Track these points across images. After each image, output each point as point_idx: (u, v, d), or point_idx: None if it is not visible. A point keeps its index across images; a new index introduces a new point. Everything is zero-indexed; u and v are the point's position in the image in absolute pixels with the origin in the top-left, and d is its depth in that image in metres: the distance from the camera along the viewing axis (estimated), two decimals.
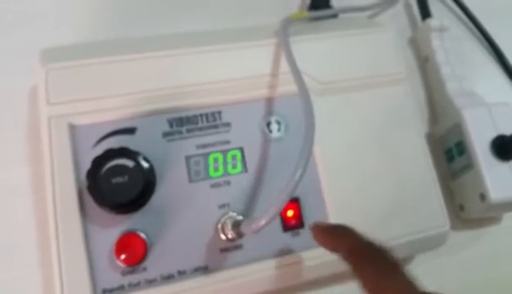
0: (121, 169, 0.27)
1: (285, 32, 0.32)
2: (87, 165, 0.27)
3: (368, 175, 0.32)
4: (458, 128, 0.36)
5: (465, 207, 0.36)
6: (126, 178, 0.27)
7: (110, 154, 0.27)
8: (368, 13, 0.41)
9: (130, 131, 0.29)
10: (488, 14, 0.44)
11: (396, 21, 0.43)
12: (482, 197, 0.34)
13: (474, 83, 0.40)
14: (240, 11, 0.40)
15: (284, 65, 0.31)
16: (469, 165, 0.35)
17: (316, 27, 0.36)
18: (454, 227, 0.36)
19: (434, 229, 0.32)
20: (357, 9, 0.39)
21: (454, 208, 0.37)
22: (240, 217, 0.29)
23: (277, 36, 0.33)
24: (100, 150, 0.28)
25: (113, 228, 0.28)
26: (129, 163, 0.27)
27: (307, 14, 0.36)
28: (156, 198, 0.29)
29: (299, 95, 0.29)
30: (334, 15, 0.38)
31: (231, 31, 0.35)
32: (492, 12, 0.44)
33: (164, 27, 0.37)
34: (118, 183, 0.27)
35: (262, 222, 0.24)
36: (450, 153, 0.37)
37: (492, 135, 0.35)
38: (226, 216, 0.29)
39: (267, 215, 0.24)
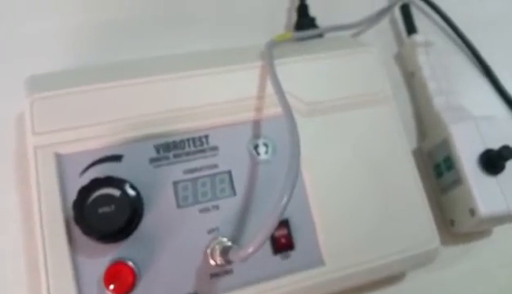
0: (107, 198, 0.27)
1: (269, 54, 0.32)
2: (74, 194, 0.27)
3: (356, 194, 0.32)
4: (446, 143, 0.36)
5: (456, 222, 0.36)
6: (112, 207, 0.27)
7: (96, 184, 0.27)
8: (353, 31, 0.41)
9: (116, 158, 0.29)
10: (474, 27, 0.44)
11: (382, 37, 0.43)
12: (472, 212, 0.34)
13: (461, 97, 0.40)
14: (227, 31, 0.40)
15: (270, 87, 0.32)
16: (458, 180, 0.35)
17: (300, 48, 0.36)
18: (445, 242, 0.36)
19: (424, 246, 0.32)
20: (342, 27, 0.39)
21: (445, 223, 0.37)
22: (229, 243, 0.28)
23: (262, 58, 0.33)
24: (87, 179, 0.28)
25: (101, 257, 0.28)
26: (115, 192, 0.27)
27: (291, 35, 0.36)
28: (144, 225, 0.29)
29: (284, 117, 0.29)
30: (320, 35, 0.39)
31: (216, 53, 0.35)
32: (478, 26, 0.44)
33: (151, 49, 0.37)
34: (104, 213, 0.27)
35: (250, 250, 0.24)
36: (439, 168, 0.38)
37: (480, 149, 0.35)
38: (215, 242, 0.29)
39: (254, 242, 0.24)
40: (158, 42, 0.38)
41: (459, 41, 0.44)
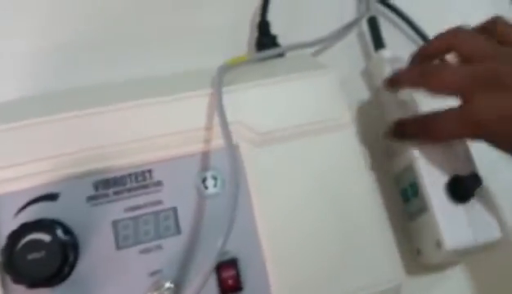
0: (37, 244, 0.25)
1: (218, 81, 0.30)
2: None
3: (314, 228, 0.30)
4: (411, 168, 0.34)
5: (422, 252, 0.34)
6: (43, 253, 0.25)
7: (26, 229, 0.25)
8: (317, 48, 0.39)
9: (52, 197, 0.28)
10: None
11: (349, 52, 0.41)
12: (438, 244, 0.32)
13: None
14: (185, 50, 0.39)
15: (217, 118, 0.30)
16: (424, 208, 0.33)
17: (257, 70, 0.34)
18: (411, 272, 0.35)
19: (387, 283, 0.30)
20: (305, 45, 0.37)
21: (412, 251, 0.36)
22: (168, 292, 0.27)
23: (212, 85, 0.31)
24: (21, 220, 0.26)
25: None
26: (45, 238, 0.25)
27: (246, 57, 0.34)
28: (80, 268, 0.27)
29: (227, 152, 0.27)
30: (281, 54, 0.37)
31: (163, 80, 0.33)
32: None
33: (103, 73, 0.36)
34: (34, 259, 0.25)
35: None
36: (405, 193, 0.36)
37: (447, 175, 0.33)
38: (154, 286, 0.27)
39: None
40: (112, 65, 0.37)
41: None
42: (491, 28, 0.32)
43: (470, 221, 0.32)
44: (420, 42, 0.42)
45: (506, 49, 0.31)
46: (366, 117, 0.39)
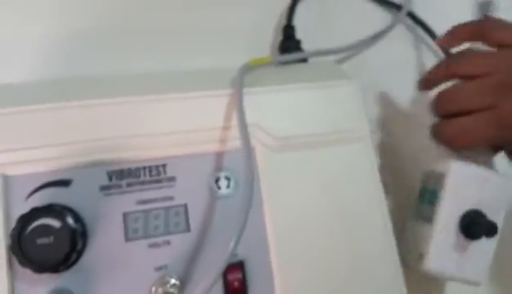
0: (46, 229, 0.25)
1: (239, 82, 0.30)
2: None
3: (322, 237, 0.30)
4: (441, 178, 0.33)
5: (406, 257, 0.34)
6: (51, 239, 0.25)
7: (36, 213, 0.25)
8: (343, 55, 0.39)
9: (65, 183, 0.28)
10: None
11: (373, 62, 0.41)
12: (421, 257, 0.32)
13: None
14: (208, 48, 0.38)
15: (235, 118, 0.30)
16: (430, 219, 0.33)
17: (279, 74, 0.34)
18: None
19: None
20: (329, 52, 0.37)
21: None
22: (172, 290, 0.27)
23: (233, 85, 0.31)
24: (33, 203, 0.26)
25: (41, 287, 0.26)
26: (55, 223, 0.25)
27: (270, 59, 0.34)
28: (88, 256, 0.27)
29: (244, 154, 0.27)
30: (304, 59, 0.36)
31: (184, 77, 0.33)
32: None
33: (122, 64, 0.36)
34: (43, 244, 0.25)
35: None
36: (423, 193, 0.35)
37: (469, 205, 0.32)
38: (160, 281, 0.27)
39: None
40: (133, 57, 0.37)
41: None
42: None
43: (461, 256, 0.32)
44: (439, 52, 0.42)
45: None
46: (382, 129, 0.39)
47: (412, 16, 0.43)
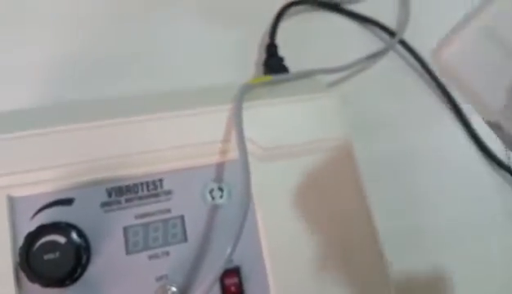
0: (52, 245, 0.27)
1: (240, 97, 0.32)
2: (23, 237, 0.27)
3: (313, 243, 0.32)
4: None
5: None
6: (57, 254, 0.27)
7: (42, 230, 0.27)
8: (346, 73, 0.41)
9: (67, 202, 0.29)
10: None
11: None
12: None
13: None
14: (198, 69, 0.41)
15: (227, 132, 0.32)
16: None
17: (263, 91, 0.36)
18: None
19: None
20: (328, 71, 0.39)
21: None
22: None
23: (227, 101, 0.33)
24: (37, 222, 0.28)
25: None
26: (61, 239, 0.27)
27: (272, 78, 0.36)
28: (92, 271, 0.28)
29: (240, 164, 0.29)
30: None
31: (175, 95, 0.35)
32: None
33: (117, 87, 0.38)
34: (49, 259, 0.27)
35: None
36: None
37: None
38: (161, 290, 0.28)
39: None
40: (124, 80, 0.39)
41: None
42: None
43: None
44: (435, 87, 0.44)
45: None
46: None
47: (405, 45, 0.44)
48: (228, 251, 0.26)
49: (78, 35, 0.39)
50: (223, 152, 0.32)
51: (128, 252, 0.29)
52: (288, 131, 0.33)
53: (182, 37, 0.41)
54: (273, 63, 0.40)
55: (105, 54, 0.39)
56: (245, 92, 0.33)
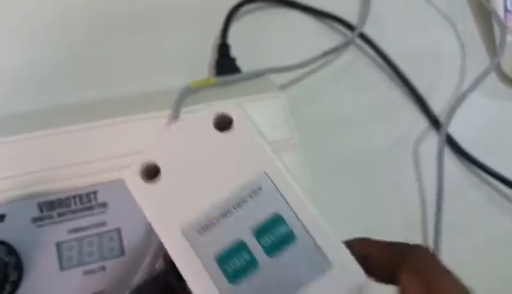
0: None
1: (178, 103, 0.31)
2: None
3: None
4: None
5: None
6: None
7: None
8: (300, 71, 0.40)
9: None
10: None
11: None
12: None
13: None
14: (151, 73, 0.39)
15: None
16: None
17: (212, 93, 0.35)
18: None
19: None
20: (276, 70, 0.38)
21: None
22: None
23: (168, 107, 0.32)
24: None
25: None
26: None
27: (216, 80, 0.34)
28: (25, 288, 0.28)
29: None
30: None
31: (115, 102, 0.34)
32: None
33: (59, 94, 0.37)
34: None
35: None
36: None
37: None
38: None
39: None
40: (73, 87, 0.37)
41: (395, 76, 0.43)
42: None
43: None
44: (397, 80, 0.43)
45: None
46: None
47: (365, 38, 0.43)
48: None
49: (22, 44, 0.38)
50: None
51: (62, 268, 0.28)
52: None
53: (134, 42, 0.40)
54: (225, 63, 0.38)
55: (41, 63, 0.37)
56: (184, 96, 0.32)
